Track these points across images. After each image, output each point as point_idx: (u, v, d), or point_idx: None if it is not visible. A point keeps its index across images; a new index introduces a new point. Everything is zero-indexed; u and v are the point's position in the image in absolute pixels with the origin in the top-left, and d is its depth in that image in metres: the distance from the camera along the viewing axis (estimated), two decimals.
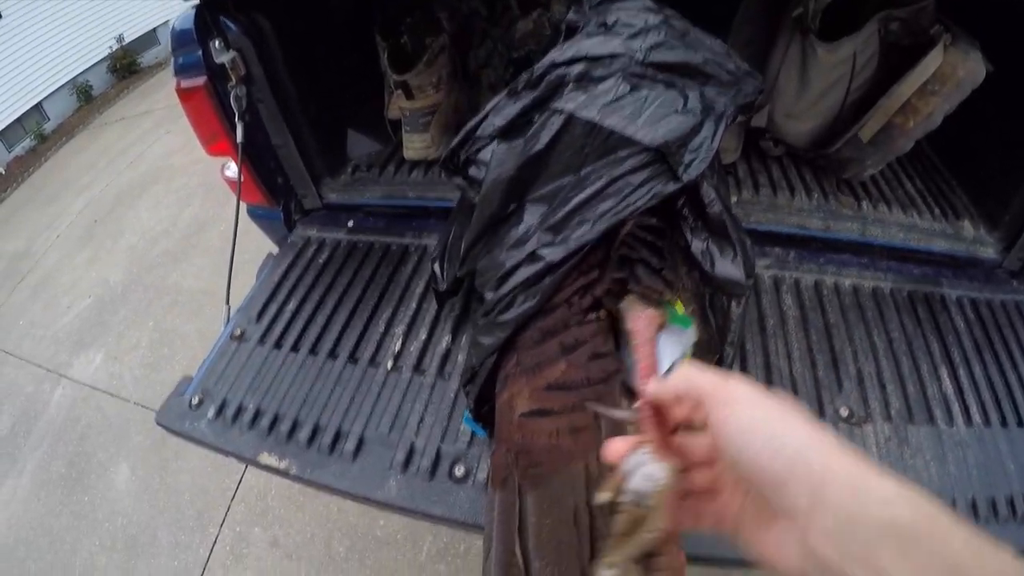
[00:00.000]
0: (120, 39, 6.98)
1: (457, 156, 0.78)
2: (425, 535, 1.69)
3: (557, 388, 0.65)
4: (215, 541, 1.92)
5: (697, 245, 0.75)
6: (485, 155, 0.75)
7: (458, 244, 0.85)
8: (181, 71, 1.24)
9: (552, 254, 0.68)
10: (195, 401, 1.11)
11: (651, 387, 0.43)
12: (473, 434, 0.96)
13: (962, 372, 1.02)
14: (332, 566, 1.72)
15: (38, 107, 6.56)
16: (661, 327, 0.65)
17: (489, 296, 0.74)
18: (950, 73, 1.11)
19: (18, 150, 6.34)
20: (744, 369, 1.02)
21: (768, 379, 1.00)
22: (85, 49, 6.85)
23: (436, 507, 0.90)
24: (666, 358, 0.69)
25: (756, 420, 0.33)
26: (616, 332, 0.72)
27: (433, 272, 0.92)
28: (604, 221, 0.68)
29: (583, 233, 0.68)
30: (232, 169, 1.35)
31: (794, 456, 0.30)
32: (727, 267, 0.74)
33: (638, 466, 0.43)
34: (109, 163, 4.47)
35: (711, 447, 0.39)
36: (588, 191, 0.69)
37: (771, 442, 0.31)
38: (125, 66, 6.89)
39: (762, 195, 1.27)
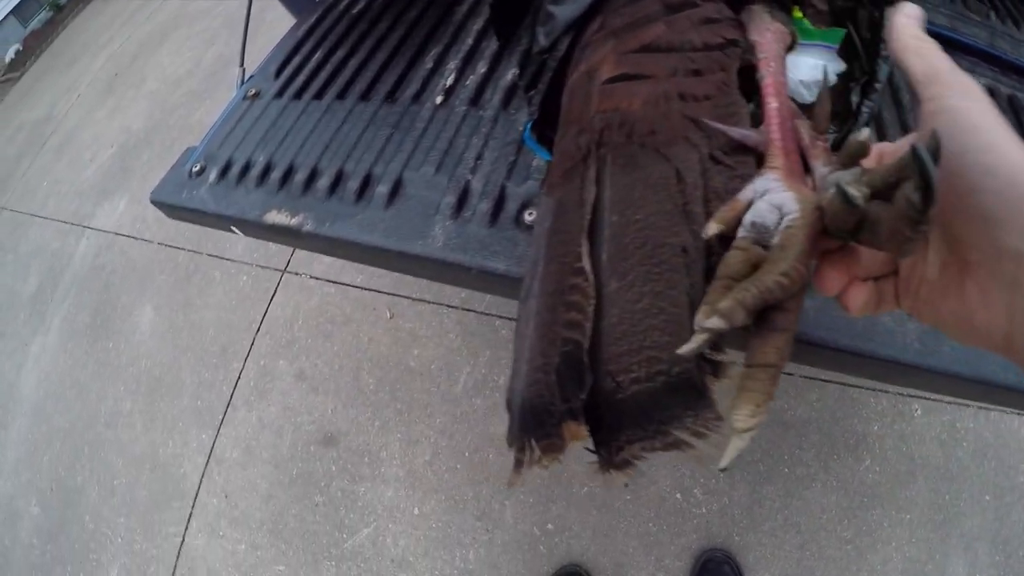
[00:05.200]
0: None
1: None
2: (462, 366, 1.63)
3: (655, 50, 0.46)
4: (239, 377, 1.91)
5: None
6: None
7: None
8: None
9: None
10: (196, 169, 1.00)
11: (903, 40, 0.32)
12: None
13: None
14: (360, 399, 1.69)
15: None
16: (791, 46, 0.51)
17: None
18: None
19: (34, 24, 6.32)
20: (883, 137, 0.85)
21: None
22: None
23: (496, 260, 0.73)
24: (803, 80, 0.54)
25: (992, 126, 0.26)
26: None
27: None
28: None
29: None
30: None
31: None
32: None
33: (762, 193, 0.33)
34: (129, 18, 4.37)
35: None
36: None
37: (1003, 159, 0.24)
38: None
39: None
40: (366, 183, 0.86)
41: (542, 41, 0.57)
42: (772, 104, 0.40)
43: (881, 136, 0.86)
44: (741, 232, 0.33)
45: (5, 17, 6.18)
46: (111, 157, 3.10)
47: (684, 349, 0.29)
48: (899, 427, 1.53)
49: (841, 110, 0.62)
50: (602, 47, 0.50)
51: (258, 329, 1.96)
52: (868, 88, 0.60)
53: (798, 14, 0.58)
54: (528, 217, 0.76)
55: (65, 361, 2.40)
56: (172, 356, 2.11)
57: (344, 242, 0.83)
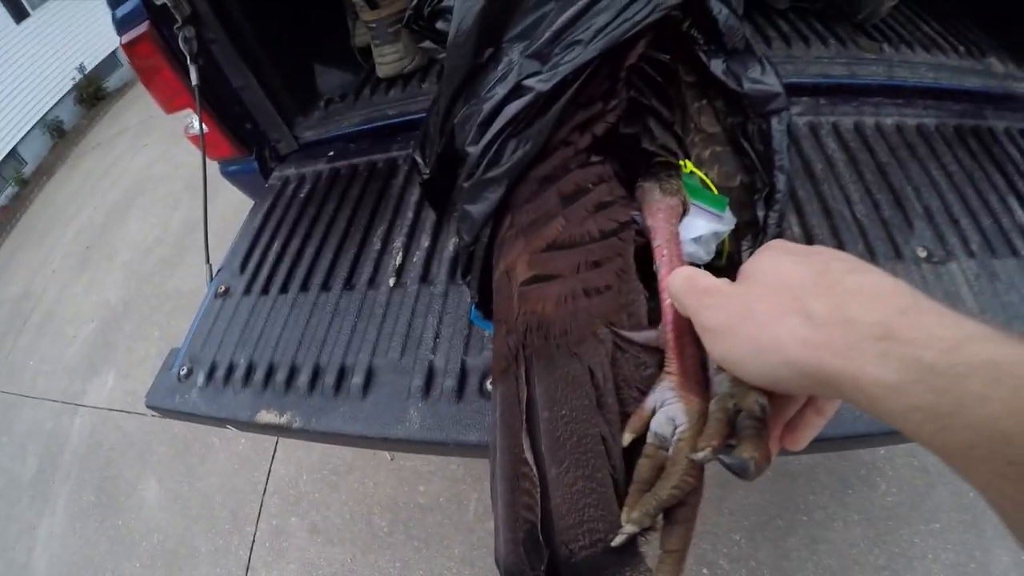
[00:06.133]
0: (82, 69, 7.07)
1: (421, 12, 0.71)
2: (470, 494, 1.66)
3: (559, 248, 0.55)
4: (253, 539, 1.91)
5: (716, 66, 0.66)
6: (452, 1, 0.67)
7: (437, 121, 0.76)
8: (121, 24, 1.20)
9: (541, 84, 0.58)
10: (183, 372, 1.06)
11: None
12: None
13: None
14: (377, 543, 1.70)
15: (13, 153, 6.69)
16: (684, 214, 0.58)
17: (471, 151, 0.63)
18: None
19: (1, 200, 6.47)
20: (802, 219, 0.95)
21: (832, 226, 0.93)
22: (49, 86, 6.97)
23: (469, 433, 0.82)
24: (700, 236, 0.61)
25: (742, 346, 0.33)
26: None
27: (415, 162, 0.84)
28: (600, 41, 0.59)
29: (576, 55, 0.59)
30: (196, 126, 1.30)
31: (788, 375, 0.30)
32: (758, 79, 0.64)
33: (661, 403, 0.42)
34: (92, 188, 4.52)
35: None
36: (576, 7, 0.60)
37: (764, 365, 0.32)
38: (92, 94, 6.98)
39: (775, 48, 1.19)
40: (341, 375, 0.93)
41: (465, 238, 0.66)
42: (668, 300, 0.47)
43: (800, 216, 0.94)
44: (648, 439, 0.41)
45: None
46: (93, 332, 3.15)
47: (615, 542, 0.38)
48: (906, 443, 1.54)
49: (749, 221, 0.70)
50: (515, 246, 0.59)
51: (264, 489, 1.97)
52: (770, 199, 0.68)
53: (688, 167, 0.67)
54: (490, 386, 0.83)
55: (75, 542, 2.35)
56: (183, 526, 2.10)
57: (332, 434, 0.90)
